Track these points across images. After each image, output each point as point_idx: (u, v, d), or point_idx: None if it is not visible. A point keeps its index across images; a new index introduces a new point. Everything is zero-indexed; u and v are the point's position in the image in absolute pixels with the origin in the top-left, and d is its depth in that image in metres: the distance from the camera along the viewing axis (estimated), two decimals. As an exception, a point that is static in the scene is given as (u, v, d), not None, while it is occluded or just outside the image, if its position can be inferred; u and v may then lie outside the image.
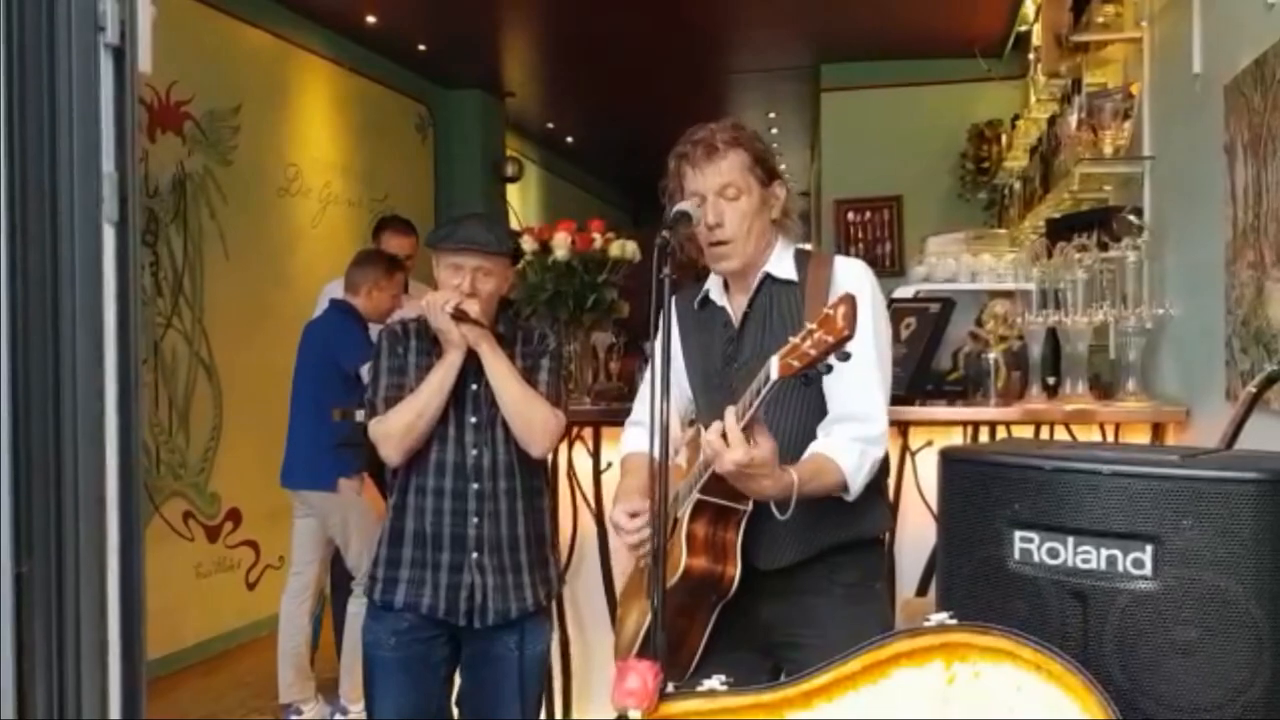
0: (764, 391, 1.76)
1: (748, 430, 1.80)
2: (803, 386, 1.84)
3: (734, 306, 2.18)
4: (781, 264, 2.15)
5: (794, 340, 1.72)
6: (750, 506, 2.00)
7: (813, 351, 1.69)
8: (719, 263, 2.15)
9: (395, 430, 2.47)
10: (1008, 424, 3.25)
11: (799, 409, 2.09)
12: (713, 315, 2.22)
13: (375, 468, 3.68)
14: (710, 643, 2.06)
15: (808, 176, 9.91)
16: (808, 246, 2.29)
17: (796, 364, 1.71)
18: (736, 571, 1.99)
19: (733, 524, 2.00)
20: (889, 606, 2.18)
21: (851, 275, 2.10)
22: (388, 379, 2.54)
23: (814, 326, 1.70)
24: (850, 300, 1.68)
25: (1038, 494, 1.61)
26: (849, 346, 1.69)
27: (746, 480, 1.85)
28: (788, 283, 2.13)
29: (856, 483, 2.00)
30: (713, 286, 2.23)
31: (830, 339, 1.67)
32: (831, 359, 1.70)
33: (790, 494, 1.88)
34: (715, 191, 2.09)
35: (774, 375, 1.74)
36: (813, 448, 2.03)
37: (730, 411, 1.82)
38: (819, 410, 2.08)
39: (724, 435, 1.80)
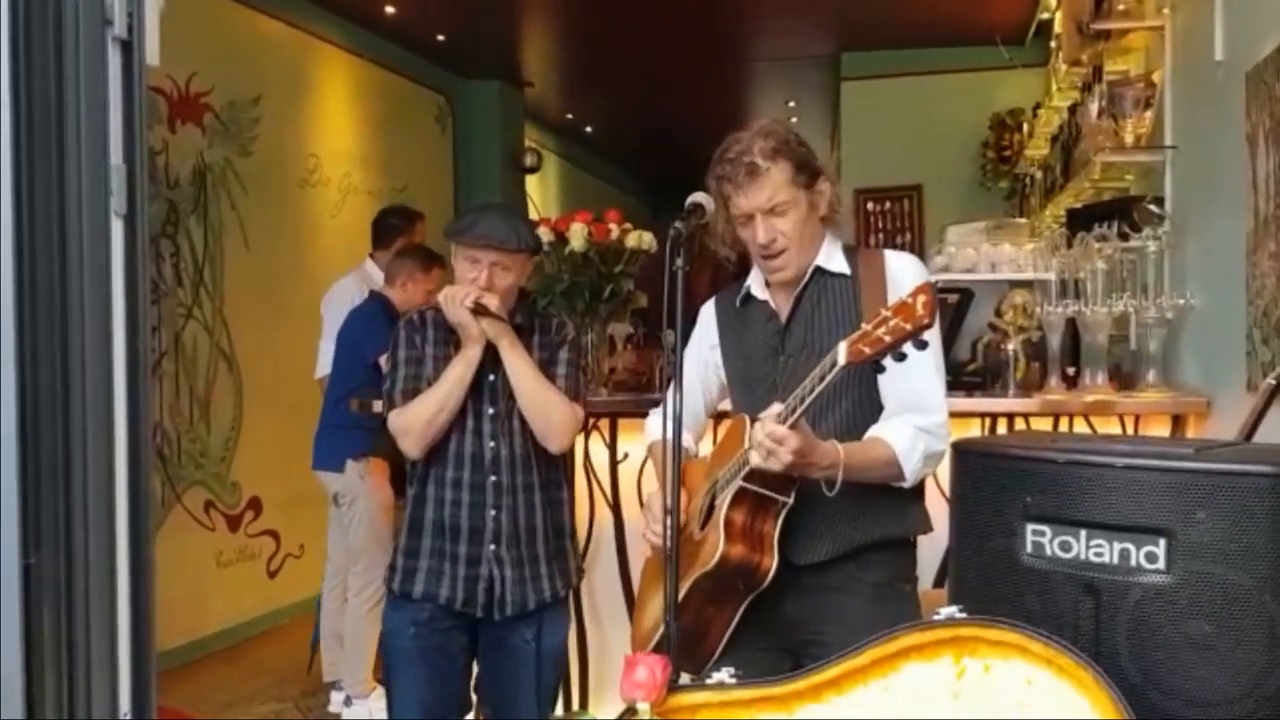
0: (829, 377, 1.74)
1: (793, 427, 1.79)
2: (871, 373, 1.81)
3: (779, 300, 2.15)
4: (832, 258, 2.12)
5: (866, 326, 1.68)
6: (792, 499, 1.97)
7: (888, 338, 1.66)
8: (775, 274, 2.11)
9: (415, 424, 2.46)
10: (1026, 415, 3.23)
11: (847, 407, 2.05)
12: (755, 310, 2.19)
13: (395, 459, 3.70)
14: (734, 637, 2.04)
15: (827, 166, 9.85)
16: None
17: (868, 350, 1.67)
18: (773, 563, 1.95)
19: (772, 515, 1.97)
20: (918, 608, 2.14)
21: (907, 268, 2.07)
22: (405, 370, 2.52)
23: (889, 313, 1.66)
24: (930, 289, 1.66)
25: (1050, 487, 1.60)
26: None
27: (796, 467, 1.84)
28: (839, 275, 2.10)
29: (911, 465, 1.98)
30: (753, 282, 2.20)
31: (909, 326, 1.64)
32: (906, 347, 1.66)
33: (837, 465, 1.87)
34: (763, 211, 2.05)
35: (841, 360, 1.71)
36: (867, 432, 2.01)
37: (772, 409, 1.81)
38: (871, 407, 2.04)
39: (772, 438, 1.79)
